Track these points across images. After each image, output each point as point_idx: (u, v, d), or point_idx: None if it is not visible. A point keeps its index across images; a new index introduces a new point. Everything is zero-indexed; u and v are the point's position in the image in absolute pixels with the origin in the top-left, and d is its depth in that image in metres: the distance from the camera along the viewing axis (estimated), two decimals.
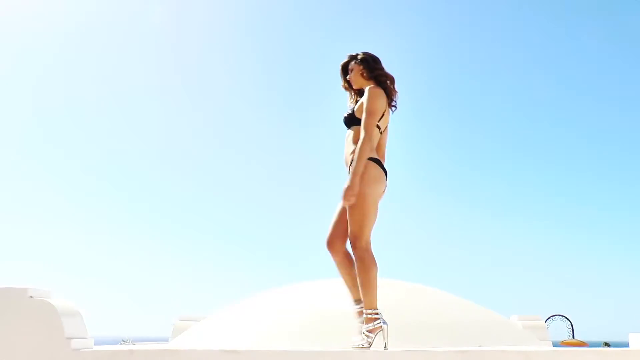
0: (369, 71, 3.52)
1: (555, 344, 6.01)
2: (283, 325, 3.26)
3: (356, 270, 3.27)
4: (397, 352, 2.97)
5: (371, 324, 3.19)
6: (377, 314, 3.23)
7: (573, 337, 12.40)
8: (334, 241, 3.41)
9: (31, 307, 3.23)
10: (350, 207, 3.26)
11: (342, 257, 3.41)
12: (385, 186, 3.44)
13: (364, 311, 3.24)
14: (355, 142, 3.38)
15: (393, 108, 3.56)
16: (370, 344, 3.17)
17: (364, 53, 3.59)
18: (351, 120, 3.48)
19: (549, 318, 12.61)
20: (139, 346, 3.51)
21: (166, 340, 7.52)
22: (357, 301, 3.34)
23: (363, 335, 3.19)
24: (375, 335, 3.20)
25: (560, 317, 12.63)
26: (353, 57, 3.60)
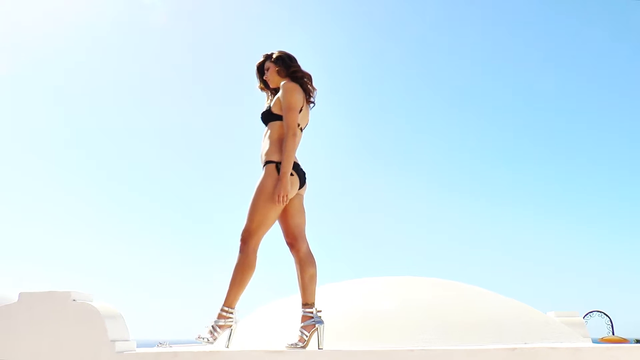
0: (284, 69, 3.49)
1: (594, 341, 5.85)
2: (325, 324, 3.22)
3: (235, 266, 3.22)
4: (446, 350, 2.91)
5: (222, 321, 3.19)
6: (232, 313, 3.22)
7: (613, 333, 12.09)
8: (293, 242, 3.34)
9: (74, 311, 3.26)
10: (254, 204, 3.23)
11: (300, 256, 3.32)
12: (299, 188, 3.36)
13: (222, 306, 3.21)
14: (272, 138, 3.35)
15: (311, 104, 3.51)
16: (215, 339, 3.17)
17: (279, 52, 3.57)
18: (268, 117, 3.43)
19: (586, 314, 12.31)
20: (178, 348, 3.50)
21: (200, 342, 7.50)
22: (305, 305, 3.26)
23: (210, 327, 3.17)
24: (222, 332, 3.21)
25: (599, 313, 12.32)
26: (268, 57, 3.57)
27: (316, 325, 3.17)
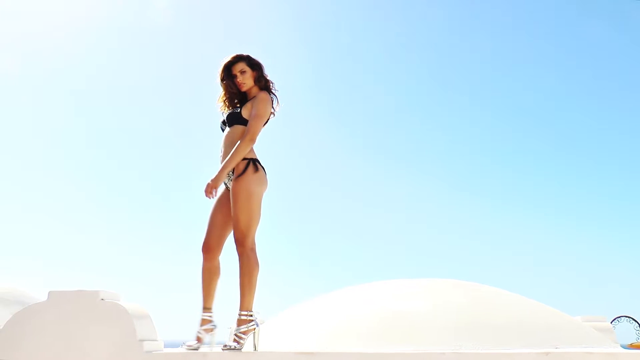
0: (263, 78, 3.55)
1: (622, 347, 5.70)
2: (351, 326, 3.20)
3: (241, 271, 3.25)
4: (478, 354, 2.85)
5: (244, 326, 3.19)
6: (252, 315, 3.23)
7: None
8: (215, 247, 3.40)
9: (103, 310, 3.27)
10: (238, 206, 3.28)
11: (216, 264, 3.41)
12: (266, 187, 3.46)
13: (239, 312, 3.23)
14: (235, 141, 3.39)
15: (272, 116, 3.59)
16: (242, 346, 3.16)
17: (254, 58, 3.56)
18: (237, 119, 3.45)
19: (614, 319, 12.04)
20: (207, 348, 3.50)
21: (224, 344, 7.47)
22: (208, 309, 3.37)
23: (235, 336, 3.16)
24: (248, 337, 3.20)
25: (627, 318, 12.03)
26: (243, 59, 3.54)
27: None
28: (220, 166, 3.37)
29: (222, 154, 3.45)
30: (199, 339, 3.31)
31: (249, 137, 3.36)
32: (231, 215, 3.34)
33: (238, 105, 3.57)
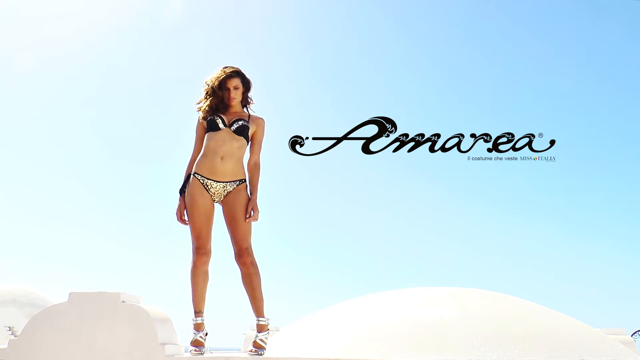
0: (249, 99, 3.62)
1: None
2: (377, 333, 3.14)
3: (253, 277, 3.32)
4: None
5: (266, 332, 3.28)
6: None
7: None
8: (210, 251, 3.44)
9: (124, 312, 3.25)
10: (248, 221, 3.40)
11: (208, 268, 3.46)
12: None
13: (259, 319, 3.29)
14: (240, 155, 3.49)
15: None
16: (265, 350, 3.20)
17: (246, 76, 3.60)
18: (246, 133, 3.50)
19: (635, 332, 11.81)
20: (229, 353, 3.46)
21: (238, 350, 7.46)
22: (201, 313, 3.37)
23: (260, 342, 3.22)
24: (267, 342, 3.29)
25: None
26: (240, 75, 3.56)
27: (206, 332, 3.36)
28: (220, 166, 3.43)
29: (222, 154, 3.43)
30: (201, 344, 3.30)
31: (260, 167, 3.54)
32: (211, 224, 3.45)
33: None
